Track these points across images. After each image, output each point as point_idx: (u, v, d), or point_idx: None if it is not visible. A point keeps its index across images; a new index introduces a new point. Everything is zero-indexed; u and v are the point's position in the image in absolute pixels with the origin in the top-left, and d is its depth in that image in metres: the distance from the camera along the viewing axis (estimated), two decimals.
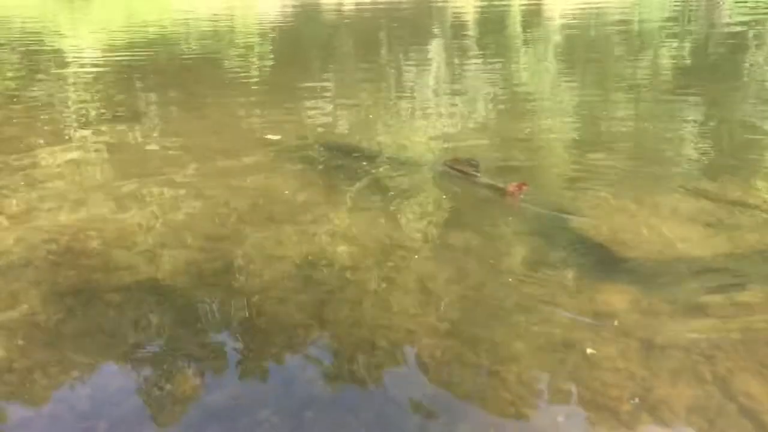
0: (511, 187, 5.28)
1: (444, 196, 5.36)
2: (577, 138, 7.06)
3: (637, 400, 3.02)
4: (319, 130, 7.24)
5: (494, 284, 3.99)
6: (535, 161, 6.32)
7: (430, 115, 8.08)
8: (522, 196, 5.19)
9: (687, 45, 13.83)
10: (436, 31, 18.61)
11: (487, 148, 6.62)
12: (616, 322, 3.55)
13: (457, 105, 8.57)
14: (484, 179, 5.57)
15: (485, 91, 9.43)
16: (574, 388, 3.09)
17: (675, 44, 13.83)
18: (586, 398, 3.03)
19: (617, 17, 17.76)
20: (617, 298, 3.77)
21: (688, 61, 11.92)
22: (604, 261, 4.30)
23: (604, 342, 3.39)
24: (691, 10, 19.33)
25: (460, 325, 3.59)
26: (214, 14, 19.98)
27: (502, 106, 8.62)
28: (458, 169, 5.75)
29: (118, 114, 7.69)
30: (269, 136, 6.79)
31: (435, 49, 14.48)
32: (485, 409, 3.02)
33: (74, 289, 3.92)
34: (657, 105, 8.47)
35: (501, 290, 3.92)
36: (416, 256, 4.35)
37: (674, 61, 11.76)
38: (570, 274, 4.10)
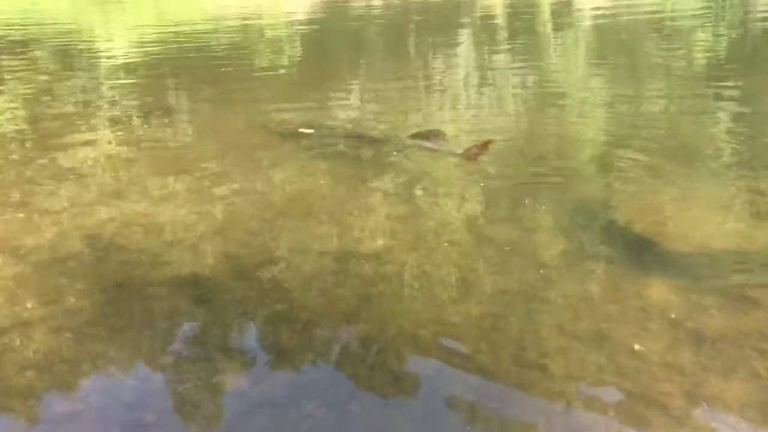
0: (474, 149, 5.28)
1: (480, 189, 5.32)
2: (610, 131, 6.98)
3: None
4: (350, 124, 7.22)
5: (536, 277, 3.95)
6: (569, 154, 6.25)
7: (460, 109, 8.04)
8: (485, 157, 5.25)
9: (722, 36, 13.59)
10: (465, 25, 18.51)
11: (518, 142, 6.57)
12: (664, 316, 3.50)
13: (486, 99, 8.50)
14: (447, 147, 5.56)
15: (515, 85, 9.35)
16: (623, 383, 3.04)
17: (709, 35, 13.60)
18: (636, 393, 2.98)
19: (648, 8, 17.50)
20: (663, 291, 3.71)
21: (723, 53, 11.71)
22: (647, 254, 4.23)
23: (652, 336, 3.33)
24: (724, 1, 19.00)
25: (503, 319, 3.55)
26: (244, 12, 20.08)
27: (532, 100, 8.53)
28: (424, 141, 5.78)
29: (152, 111, 7.75)
30: (302, 130, 6.80)
31: (464, 43, 14.41)
32: (533, 403, 2.98)
33: (117, 283, 3.95)
34: (692, 97, 8.33)
35: (543, 283, 3.88)
36: (455, 249, 4.33)
37: (709, 53, 11.56)
38: (613, 268, 4.04)
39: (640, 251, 4.28)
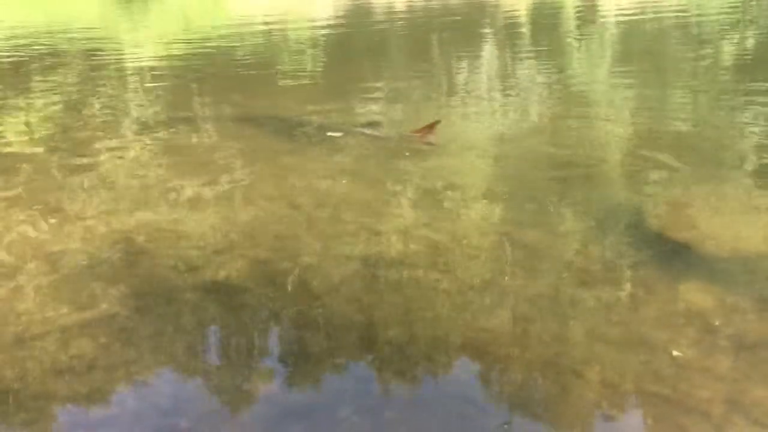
0: (423, 129, 5.93)
1: (507, 192, 5.29)
2: (636, 133, 6.90)
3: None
4: (373, 128, 7.21)
5: (568, 281, 3.91)
6: (595, 156, 6.19)
7: (485, 113, 8.00)
8: (433, 137, 5.91)
9: (749, 38, 13.41)
10: (488, 28, 18.45)
11: (544, 144, 6.53)
12: (701, 321, 3.44)
13: (510, 103, 8.45)
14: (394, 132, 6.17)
15: (540, 87, 9.29)
16: (661, 390, 2.99)
17: (736, 37, 13.42)
18: (675, 400, 2.94)
19: (674, 11, 17.33)
20: (700, 296, 3.65)
21: (750, 55, 11.55)
22: (680, 257, 4.17)
23: (690, 342, 3.28)
24: (751, 1, 18.76)
25: (536, 324, 3.52)
26: (269, 18, 20.19)
27: (557, 102, 8.48)
28: (373, 129, 6.40)
29: (179, 118, 7.80)
30: (331, 134, 6.81)
31: (488, 46, 14.36)
32: (569, 410, 2.95)
33: (150, 289, 3.97)
34: (720, 98, 8.22)
35: (575, 288, 3.84)
36: (486, 254, 4.30)
37: (735, 55, 11.41)
38: (647, 271, 3.99)
39: (674, 254, 4.23)
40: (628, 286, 3.87)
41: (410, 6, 26.37)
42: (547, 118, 7.70)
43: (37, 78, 10.82)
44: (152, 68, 11.64)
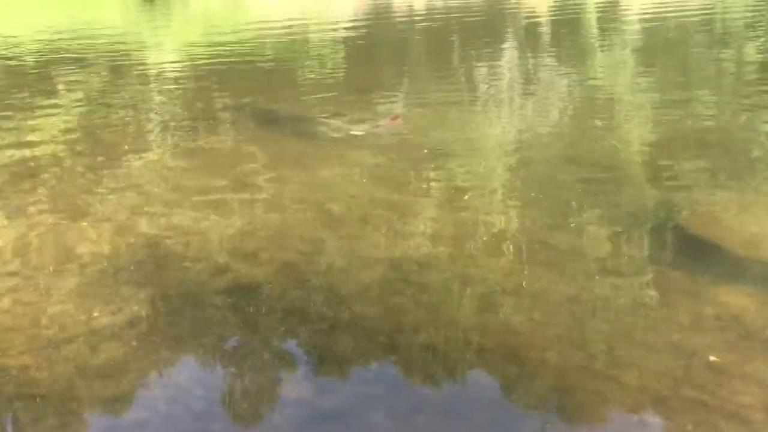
0: (388, 121, 6.71)
1: (533, 195, 5.25)
2: (661, 134, 6.83)
3: None
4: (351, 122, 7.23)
5: (602, 285, 3.86)
6: (620, 158, 6.15)
7: (507, 114, 7.97)
8: (397, 125, 6.57)
9: None
10: (509, 28, 18.36)
11: (567, 146, 6.49)
12: (739, 325, 3.37)
13: (533, 105, 8.39)
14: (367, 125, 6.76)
15: (562, 89, 9.22)
16: (700, 396, 2.94)
17: (761, 37, 13.24)
18: (715, 406, 2.88)
19: (698, 12, 17.13)
20: (738, 300, 3.59)
21: None
22: (717, 261, 4.10)
23: (729, 347, 3.22)
24: None
25: (571, 329, 3.47)
26: (290, 22, 20.24)
27: (580, 104, 8.41)
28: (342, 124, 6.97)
29: (203, 120, 7.81)
30: (354, 132, 6.83)
31: (508, 46, 14.27)
32: (606, 416, 2.90)
33: (180, 292, 3.98)
34: (745, 99, 8.11)
35: (610, 291, 3.79)
36: (514, 256, 4.26)
37: (761, 55, 11.25)
38: (681, 274, 3.93)
39: (706, 256, 4.16)
40: (661, 289, 3.82)
41: (430, 6, 26.34)
42: (571, 119, 7.63)
43: (62, 81, 10.92)
44: (175, 71, 11.71)
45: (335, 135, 6.98)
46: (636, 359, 3.19)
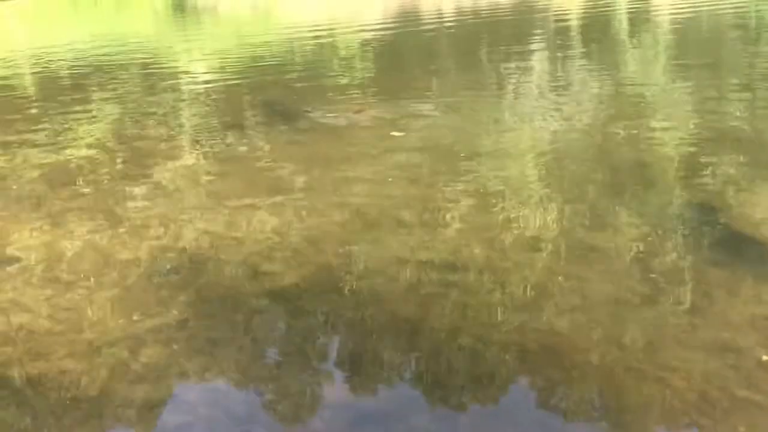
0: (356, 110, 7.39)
1: (568, 195, 5.18)
2: (696, 135, 6.69)
3: None
4: (427, 131, 7.15)
5: (645, 285, 3.78)
6: (656, 158, 6.05)
7: (538, 116, 7.87)
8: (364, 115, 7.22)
9: None
10: (538, 29, 18.23)
11: (602, 147, 6.40)
12: None
13: (564, 105, 8.29)
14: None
15: (593, 90, 9.10)
16: (753, 396, 2.85)
17: None
18: None
19: (731, 12, 16.83)
20: None
21: None
22: (759, 260, 4.00)
23: None
24: None
25: (613, 330, 3.40)
26: (318, 27, 20.33)
27: (612, 105, 8.29)
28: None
29: (234, 126, 7.82)
30: (394, 133, 6.83)
31: (538, 47, 14.16)
32: (656, 419, 2.83)
33: (218, 296, 3.98)
34: None
35: (654, 291, 3.71)
36: (555, 258, 4.19)
37: None
38: (726, 273, 3.83)
39: (750, 256, 4.07)
40: (705, 289, 3.72)
41: (458, 8, 26.28)
42: (603, 119, 7.53)
43: (96, 89, 11.09)
44: (205, 78, 11.81)
45: (367, 136, 6.96)
46: (683, 360, 3.10)
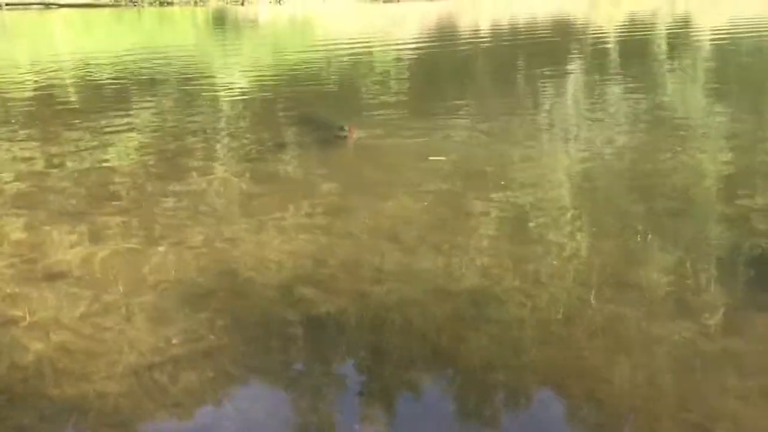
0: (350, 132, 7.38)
1: (601, 225, 5.13)
2: (738, 165, 6.62)
3: None
4: (463, 155, 7.13)
5: (690, 326, 3.70)
6: (696, 189, 5.94)
7: (572, 139, 7.83)
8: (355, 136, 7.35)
9: None
10: (575, 49, 18.11)
11: (635, 175, 6.32)
12: None
13: (598, 129, 8.22)
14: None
15: (629, 115, 9.00)
16: None
17: None
18: None
19: None
20: None
21: None
22: None
23: None
24: None
25: (659, 374, 3.33)
26: (356, 42, 20.45)
27: (647, 129, 8.20)
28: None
29: (273, 145, 7.86)
30: (433, 158, 6.81)
31: (575, 67, 14.07)
32: None
33: (255, 320, 3.99)
34: None
35: (699, 334, 3.64)
36: (592, 292, 4.13)
37: None
38: None
39: None
40: (758, 333, 3.63)
41: (495, 24, 26.27)
42: (639, 145, 7.44)
43: (136, 101, 11.27)
44: (244, 92, 11.94)
45: (403, 159, 6.95)
46: (733, 411, 3.03)
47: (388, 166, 6.81)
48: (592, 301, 4.02)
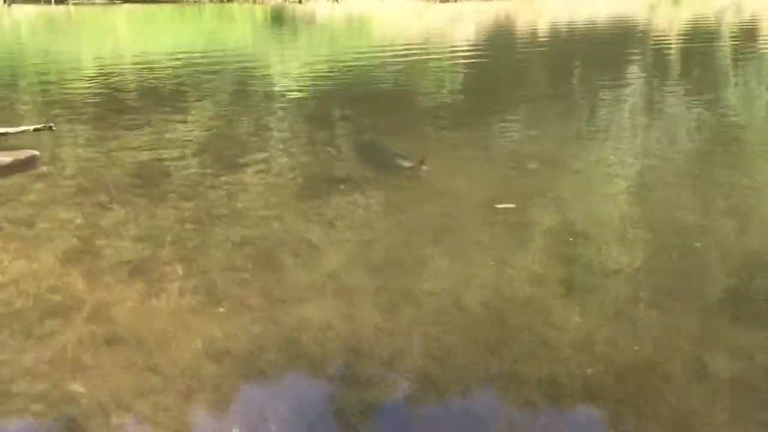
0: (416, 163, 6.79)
1: (658, 242, 4.92)
2: None
3: None
4: (532, 200, 6.78)
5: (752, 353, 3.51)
6: (758, 206, 5.65)
7: (628, 153, 7.55)
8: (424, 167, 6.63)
9: None
10: (636, 54, 17.60)
11: (694, 194, 6.05)
12: None
13: (656, 142, 7.89)
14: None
15: (690, 128, 8.63)
16: None
17: None
18: None
19: None
20: None
21: None
22: None
23: None
24: None
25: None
26: (411, 43, 20.27)
27: (710, 148, 7.85)
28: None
29: (332, 180, 7.68)
30: (500, 206, 6.45)
31: (634, 74, 13.66)
32: None
33: (323, 409, 3.91)
34: None
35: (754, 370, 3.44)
36: (649, 315, 3.96)
37: None
38: None
39: None
40: None
41: (554, 27, 25.75)
42: (699, 157, 7.13)
43: (190, 99, 11.36)
44: (298, 91, 11.94)
45: (466, 203, 6.74)
46: None
47: (453, 212, 6.56)
48: (641, 320, 3.85)
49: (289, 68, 15.64)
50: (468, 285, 5.08)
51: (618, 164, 7.96)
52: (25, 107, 11.27)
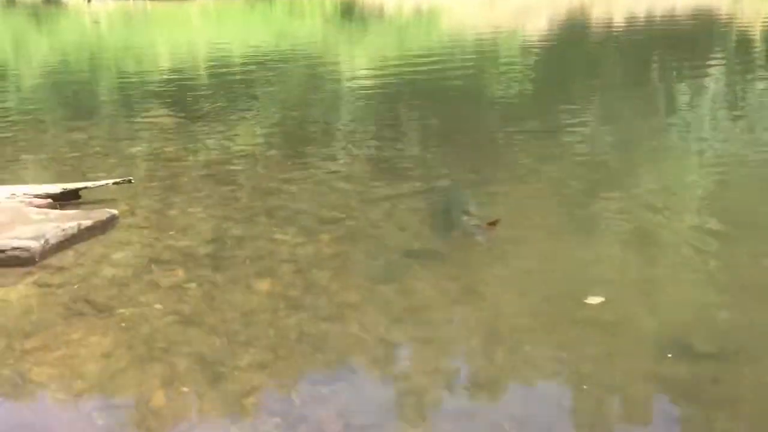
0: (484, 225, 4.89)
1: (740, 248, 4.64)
2: None
3: None
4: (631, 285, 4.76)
5: None
6: None
7: (707, 149, 7.15)
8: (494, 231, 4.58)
9: None
10: (717, 49, 16.90)
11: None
12: None
13: (737, 140, 7.48)
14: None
15: None
16: None
17: None
18: None
19: None
20: None
21: None
22: None
23: None
24: None
25: None
26: (481, 35, 20.01)
27: None
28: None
29: (387, 138, 7.52)
30: (590, 300, 4.00)
31: (715, 71, 13.09)
32: None
33: None
34: None
35: None
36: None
37: None
38: None
39: None
40: None
41: (630, 18, 25.01)
42: None
43: (259, 91, 11.47)
44: (366, 84, 11.88)
45: (551, 292, 6.29)
46: None
47: (535, 302, 4.20)
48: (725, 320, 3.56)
49: (358, 65, 15.56)
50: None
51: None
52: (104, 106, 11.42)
